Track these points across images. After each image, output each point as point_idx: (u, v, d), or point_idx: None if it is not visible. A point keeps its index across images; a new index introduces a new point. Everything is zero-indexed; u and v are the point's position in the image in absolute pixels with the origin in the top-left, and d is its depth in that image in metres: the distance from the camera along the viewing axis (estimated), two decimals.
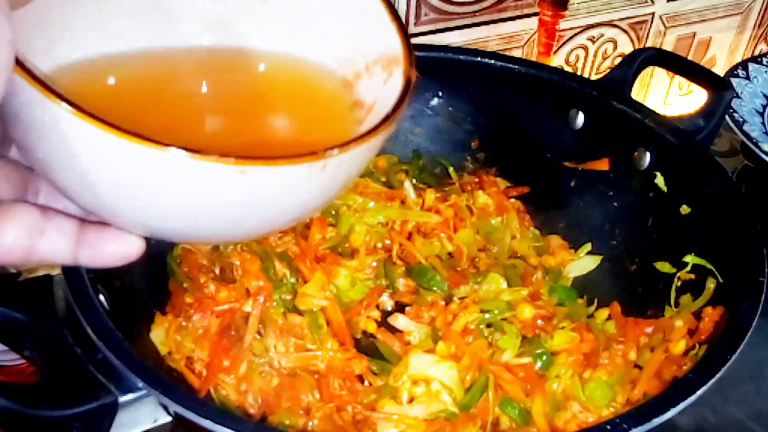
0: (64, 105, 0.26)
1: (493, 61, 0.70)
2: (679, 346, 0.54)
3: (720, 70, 1.10)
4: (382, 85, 0.36)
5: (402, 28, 0.36)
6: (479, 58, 0.71)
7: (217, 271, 0.63)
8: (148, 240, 0.53)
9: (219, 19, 0.40)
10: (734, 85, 0.89)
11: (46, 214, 0.31)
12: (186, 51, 0.39)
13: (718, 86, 0.66)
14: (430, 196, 0.69)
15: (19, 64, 0.26)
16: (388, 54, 0.36)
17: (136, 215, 0.31)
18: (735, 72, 0.93)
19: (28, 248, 0.30)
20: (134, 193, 0.29)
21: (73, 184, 0.29)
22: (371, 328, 0.62)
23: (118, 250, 0.32)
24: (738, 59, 1.10)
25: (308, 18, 0.39)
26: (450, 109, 0.74)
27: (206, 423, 0.40)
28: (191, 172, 0.27)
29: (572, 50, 0.97)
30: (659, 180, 0.63)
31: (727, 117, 0.82)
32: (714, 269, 0.56)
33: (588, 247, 0.69)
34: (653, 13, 0.99)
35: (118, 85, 0.36)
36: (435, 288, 0.63)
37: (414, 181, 0.72)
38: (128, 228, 0.32)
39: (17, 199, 0.33)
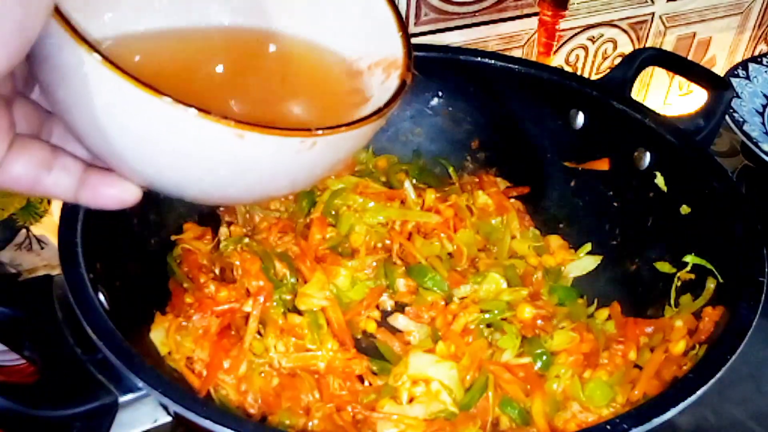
0: (91, 51, 0.28)
1: (493, 61, 0.70)
2: (679, 346, 0.54)
3: (720, 70, 1.10)
4: (380, 84, 0.39)
5: (407, 37, 0.39)
6: (479, 58, 0.71)
7: (217, 271, 0.63)
8: (148, 240, 0.55)
9: (243, 4, 0.43)
10: (734, 85, 0.89)
11: (55, 153, 0.34)
12: (208, 30, 0.42)
13: (718, 86, 0.66)
14: (430, 196, 0.69)
15: (56, 9, 0.28)
16: (390, 59, 0.39)
17: (139, 163, 0.33)
18: (735, 72, 0.93)
19: (34, 180, 0.33)
20: (140, 141, 0.31)
21: (87, 126, 0.32)
22: (371, 328, 0.62)
23: (116, 194, 0.35)
24: (738, 59, 1.10)
25: (323, 17, 0.42)
26: (450, 109, 0.74)
27: (206, 423, 0.40)
28: (194, 129, 0.30)
29: (572, 50, 0.97)
30: (659, 180, 0.63)
31: (727, 117, 0.82)
32: (714, 269, 0.56)
33: (588, 247, 0.69)
34: (653, 13, 0.99)
35: (143, 58, 0.39)
36: (435, 288, 0.63)
37: (414, 181, 0.72)
38: (129, 176, 0.35)
39: (30, 136, 0.35)
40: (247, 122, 0.30)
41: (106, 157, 0.34)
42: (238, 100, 0.39)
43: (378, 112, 0.35)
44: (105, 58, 0.29)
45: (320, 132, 0.32)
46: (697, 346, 0.52)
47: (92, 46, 0.28)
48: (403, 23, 0.39)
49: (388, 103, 0.36)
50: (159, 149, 0.32)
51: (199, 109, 0.29)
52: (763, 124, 0.88)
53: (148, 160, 0.33)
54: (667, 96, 1.11)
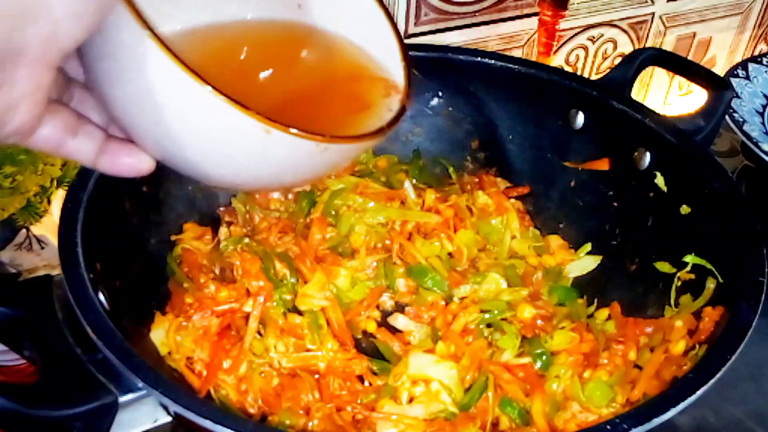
0: (149, 31, 0.31)
1: (493, 61, 0.70)
2: (679, 347, 0.54)
3: (720, 70, 1.10)
4: (381, 98, 0.43)
5: (409, 66, 0.43)
6: (479, 58, 0.71)
7: (217, 271, 0.63)
8: (148, 240, 0.56)
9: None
10: (734, 85, 0.89)
11: (81, 120, 0.37)
12: (255, 25, 0.46)
13: (718, 86, 0.66)
14: (430, 196, 0.69)
15: None
16: (390, 81, 0.44)
17: (165, 140, 0.36)
18: (735, 72, 0.93)
19: (59, 143, 0.35)
20: (174, 121, 0.34)
21: (124, 98, 0.35)
22: (371, 328, 0.62)
23: (132, 163, 0.38)
24: (738, 59, 1.10)
25: (340, 24, 0.46)
26: (450, 109, 0.74)
27: (206, 423, 0.40)
28: (229, 119, 0.33)
29: (572, 50, 0.97)
30: (659, 180, 0.63)
31: (727, 117, 0.82)
32: (714, 269, 0.56)
33: (588, 247, 0.69)
34: (653, 13, 0.99)
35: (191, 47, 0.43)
36: (435, 288, 0.63)
37: (414, 181, 0.72)
38: (149, 149, 0.37)
39: (58, 101, 0.37)
40: (276, 120, 0.33)
41: (133, 128, 0.36)
42: (255, 88, 0.43)
43: (381, 130, 0.39)
44: (161, 41, 0.31)
45: (333, 140, 0.36)
46: (697, 346, 0.52)
47: (151, 29, 0.31)
48: (406, 53, 0.43)
49: (390, 124, 0.40)
50: (190, 131, 0.35)
51: (240, 104, 0.32)
52: (763, 124, 0.88)
53: (176, 139, 0.35)
54: (667, 96, 1.11)
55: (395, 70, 0.44)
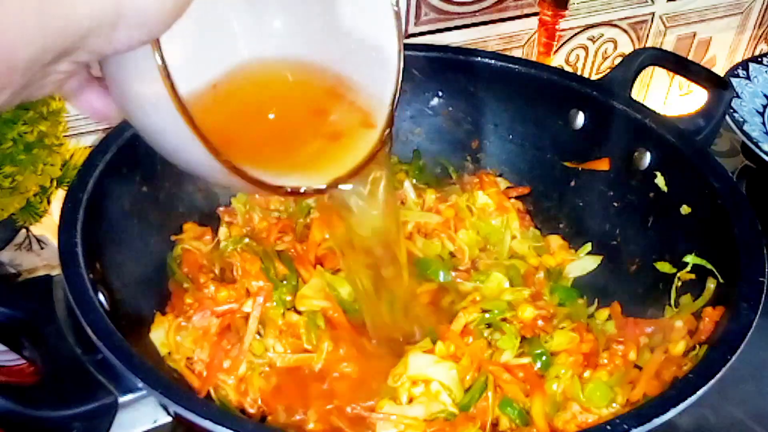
0: (159, 55, 0.33)
1: (493, 61, 0.70)
2: (679, 347, 0.54)
3: (720, 70, 1.10)
4: (353, 129, 0.45)
5: (391, 123, 0.45)
6: (479, 58, 0.71)
7: (217, 271, 0.63)
8: (148, 240, 0.56)
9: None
10: (734, 85, 0.89)
11: None
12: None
13: (718, 86, 0.66)
14: (430, 196, 0.69)
15: None
16: (368, 116, 0.46)
17: (141, 129, 0.38)
18: (735, 72, 0.93)
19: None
20: (154, 130, 0.37)
21: (120, 82, 0.36)
22: None
23: (100, 108, 0.40)
24: (738, 59, 1.10)
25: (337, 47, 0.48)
26: (450, 109, 0.74)
27: (206, 423, 0.40)
28: (200, 153, 0.35)
29: (572, 50, 0.97)
30: (659, 180, 0.63)
31: (727, 117, 0.82)
32: (714, 269, 0.56)
33: (588, 247, 0.69)
34: (653, 13, 0.99)
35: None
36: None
37: (414, 181, 0.72)
38: (124, 111, 0.39)
39: None
40: (237, 168, 0.36)
41: (115, 99, 0.38)
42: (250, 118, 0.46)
43: (332, 185, 0.42)
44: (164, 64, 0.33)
45: (283, 190, 0.39)
46: (698, 346, 0.52)
47: (161, 52, 0.33)
48: (396, 96, 0.44)
49: (348, 176, 0.43)
50: (165, 142, 0.37)
51: (207, 144, 0.35)
52: (764, 124, 0.88)
53: (151, 136, 0.37)
54: (667, 96, 1.11)
55: (381, 114, 0.45)
